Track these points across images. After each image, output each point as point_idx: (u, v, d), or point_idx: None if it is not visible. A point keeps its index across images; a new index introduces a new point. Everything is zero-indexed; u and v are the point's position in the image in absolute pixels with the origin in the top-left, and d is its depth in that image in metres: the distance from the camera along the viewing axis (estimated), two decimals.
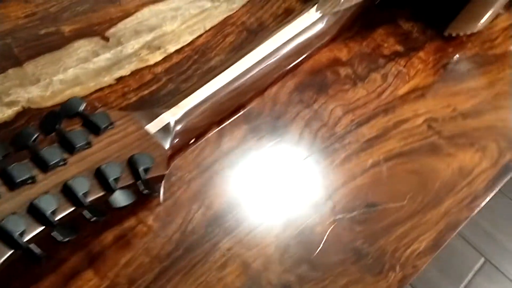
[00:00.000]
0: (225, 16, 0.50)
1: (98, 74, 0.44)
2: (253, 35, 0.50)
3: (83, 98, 0.42)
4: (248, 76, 0.44)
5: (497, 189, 0.46)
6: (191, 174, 0.41)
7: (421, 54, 0.53)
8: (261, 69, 0.45)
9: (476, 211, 0.44)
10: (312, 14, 0.48)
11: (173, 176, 0.41)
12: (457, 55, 0.54)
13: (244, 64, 0.44)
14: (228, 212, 0.40)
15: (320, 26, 0.48)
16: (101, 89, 0.44)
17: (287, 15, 0.52)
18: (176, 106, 0.41)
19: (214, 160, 0.42)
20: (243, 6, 0.52)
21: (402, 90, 0.50)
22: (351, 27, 0.53)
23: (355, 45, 0.52)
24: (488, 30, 0.56)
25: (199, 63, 0.47)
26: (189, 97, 0.41)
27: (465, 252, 1.11)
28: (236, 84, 0.43)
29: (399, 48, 0.53)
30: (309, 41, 0.48)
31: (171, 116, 0.40)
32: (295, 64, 0.48)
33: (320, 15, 0.48)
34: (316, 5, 0.49)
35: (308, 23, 0.48)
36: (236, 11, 0.51)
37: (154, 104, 0.42)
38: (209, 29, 0.49)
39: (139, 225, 0.38)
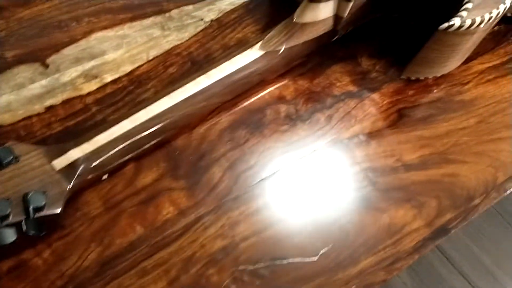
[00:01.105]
0: (172, 45, 0.50)
1: (29, 101, 0.45)
2: (197, 66, 0.49)
3: (10, 125, 0.44)
4: (171, 114, 0.44)
5: (426, 252, 0.43)
6: (98, 210, 0.41)
7: (376, 96, 0.50)
8: (188, 107, 0.44)
9: (394, 274, 0.42)
10: (254, 52, 0.47)
11: (78, 211, 0.41)
12: (417, 99, 0.50)
13: (167, 101, 0.44)
14: (126, 253, 0.40)
15: (262, 64, 0.47)
16: (29, 117, 0.45)
17: (238, 47, 0.51)
18: (87, 142, 0.41)
19: (124, 198, 0.42)
20: (195, 35, 0.51)
21: (345, 134, 0.48)
22: (305, 63, 0.51)
23: (304, 83, 0.50)
24: (461, 72, 0.53)
25: (133, 94, 0.47)
26: (102, 134, 0.41)
27: None
28: (157, 121, 0.43)
29: (352, 88, 0.50)
30: (248, 79, 0.47)
31: (80, 152, 0.40)
32: (233, 100, 0.47)
33: (263, 52, 0.47)
34: (260, 42, 0.47)
35: (247, 61, 0.46)
36: (186, 41, 0.51)
37: (77, 135, 0.42)
38: (152, 59, 0.49)
39: (36, 257, 0.39)
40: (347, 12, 0.47)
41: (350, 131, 0.48)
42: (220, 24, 0.52)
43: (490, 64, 0.53)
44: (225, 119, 0.47)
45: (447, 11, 0.47)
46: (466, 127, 0.49)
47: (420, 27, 0.50)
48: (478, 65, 0.53)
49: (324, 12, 0.47)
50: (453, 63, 0.50)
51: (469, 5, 0.43)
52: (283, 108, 0.48)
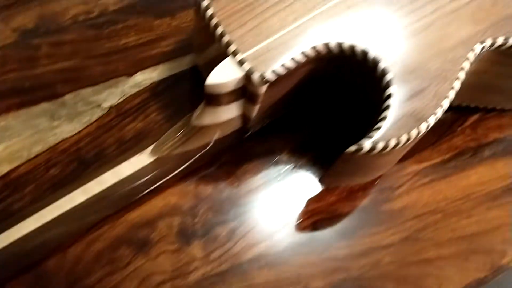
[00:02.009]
0: (60, 139, 0.44)
1: None
2: (84, 167, 0.43)
3: None
4: (39, 236, 0.38)
5: None
6: None
7: (290, 203, 0.44)
8: (60, 226, 0.39)
9: None
10: (143, 158, 0.41)
11: None
12: (338, 208, 0.44)
13: (34, 223, 0.38)
14: None
15: (152, 171, 0.41)
16: None
17: (135, 141, 0.45)
18: None
19: None
20: (88, 125, 0.45)
21: (245, 256, 0.42)
22: (212, 162, 0.45)
23: (207, 187, 0.44)
24: (394, 174, 0.46)
25: (6, 203, 0.41)
26: None
27: None
28: (21, 245, 0.38)
29: (264, 193, 0.44)
30: (136, 190, 0.41)
31: None
32: (118, 212, 0.42)
33: (154, 158, 0.41)
34: (151, 147, 0.41)
35: (134, 169, 0.41)
36: (76, 133, 0.45)
37: None
38: (34, 157, 0.43)
39: None
40: (255, 112, 0.41)
41: (252, 252, 0.42)
42: (120, 112, 0.46)
43: (428, 163, 0.47)
44: (106, 235, 0.41)
45: (372, 107, 0.40)
46: (389, 244, 0.43)
47: (347, 119, 0.44)
48: (414, 165, 0.47)
49: (227, 114, 0.41)
50: (377, 174, 0.43)
51: (383, 124, 0.37)
52: (177, 221, 0.42)
